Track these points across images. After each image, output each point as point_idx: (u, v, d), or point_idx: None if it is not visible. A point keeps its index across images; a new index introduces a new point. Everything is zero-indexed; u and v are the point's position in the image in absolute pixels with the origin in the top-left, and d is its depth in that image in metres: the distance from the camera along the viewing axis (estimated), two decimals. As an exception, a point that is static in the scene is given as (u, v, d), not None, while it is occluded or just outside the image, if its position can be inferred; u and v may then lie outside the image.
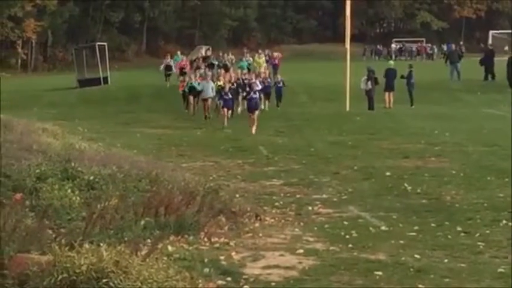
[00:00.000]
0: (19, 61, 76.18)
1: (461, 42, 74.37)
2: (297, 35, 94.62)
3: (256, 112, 27.29)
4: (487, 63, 43.70)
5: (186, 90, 33.55)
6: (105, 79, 48.47)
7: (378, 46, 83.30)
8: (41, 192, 11.08)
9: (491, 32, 60.12)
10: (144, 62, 76.75)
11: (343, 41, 34.68)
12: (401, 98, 33.73)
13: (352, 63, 33.20)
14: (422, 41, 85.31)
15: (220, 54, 49.07)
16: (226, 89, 30.05)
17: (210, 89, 31.66)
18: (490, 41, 59.78)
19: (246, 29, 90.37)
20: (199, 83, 32.95)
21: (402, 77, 34.27)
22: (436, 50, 79.61)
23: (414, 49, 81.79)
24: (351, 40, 34.38)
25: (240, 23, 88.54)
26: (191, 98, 33.32)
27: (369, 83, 32.71)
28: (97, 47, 51.59)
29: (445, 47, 71.21)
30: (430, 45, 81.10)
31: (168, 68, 44.46)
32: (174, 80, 41.68)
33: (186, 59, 46.17)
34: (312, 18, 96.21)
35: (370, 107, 32.63)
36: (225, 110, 29.20)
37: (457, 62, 44.97)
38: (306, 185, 16.35)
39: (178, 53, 48.64)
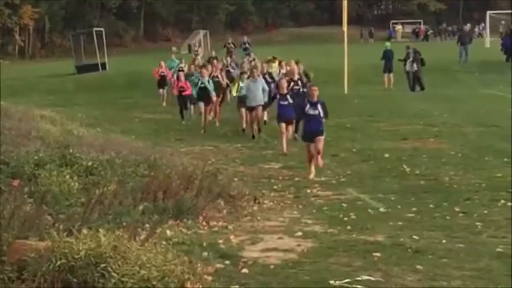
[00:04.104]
0: (17, 48, 76.16)
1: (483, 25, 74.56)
2: (295, 18, 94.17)
3: (322, 137, 15.82)
4: (507, 44, 43.73)
5: (194, 94, 23.78)
6: (103, 65, 48.43)
7: (373, 28, 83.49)
8: (40, 178, 11.08)
9: (488, 12, 59.83)
10: (142, 48, 76.74)
11: (340, 23, 34.54)
12: (400, 79, 33.65)
13: (349, 45, 33.11)
14: (420, 22, 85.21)
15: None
16: (284, 88, 19.04)
17: (259, 92, 21.54)
18: (487, 22, 59.68)
19: (243, 13, 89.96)
20: (209, 80, 23.68)
21: (400, 60, 34.17)
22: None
23: (416, 30, 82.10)
24: (349, 23, 34.28)
25: (237, 6, 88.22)
26: (201, 105, 23.19)
27: (415, 64, 32.61)
28: (94, 32, 51.39)
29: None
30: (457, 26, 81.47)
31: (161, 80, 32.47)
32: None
33: (162, 67, 32.59)
34: (309, 1, 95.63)
35: (422, 87, 32.42)
36: (283, 125, 18.61)
37: (467, 44, 45.09)
38: (304, 168, 16.37)
39: (173, 57, 36.80)
